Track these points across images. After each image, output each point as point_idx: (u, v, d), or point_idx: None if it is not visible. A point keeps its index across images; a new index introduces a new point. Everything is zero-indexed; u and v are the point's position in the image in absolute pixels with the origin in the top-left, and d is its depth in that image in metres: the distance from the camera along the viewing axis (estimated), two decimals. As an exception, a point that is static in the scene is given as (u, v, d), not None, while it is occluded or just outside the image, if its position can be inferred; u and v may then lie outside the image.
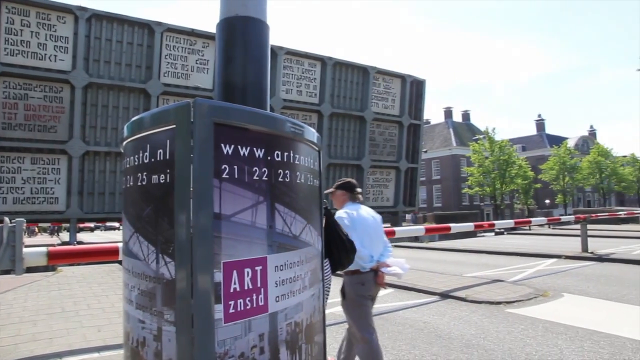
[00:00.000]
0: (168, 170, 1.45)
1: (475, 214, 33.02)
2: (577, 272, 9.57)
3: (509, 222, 13.03)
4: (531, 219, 14.68)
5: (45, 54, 14.62)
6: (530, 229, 26.48)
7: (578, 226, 15.32)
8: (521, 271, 10.06)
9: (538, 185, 46.89)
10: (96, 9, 15.29)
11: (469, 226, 10.88)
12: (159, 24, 16.43)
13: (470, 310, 6.40)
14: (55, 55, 14.77)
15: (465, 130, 59.52)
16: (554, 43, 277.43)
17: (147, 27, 16.31)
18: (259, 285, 1.49)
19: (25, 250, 4.62)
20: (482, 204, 54.04)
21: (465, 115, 64.50)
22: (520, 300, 6.75)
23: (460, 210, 47.02)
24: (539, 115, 66.62)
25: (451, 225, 9.41)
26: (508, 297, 6.95)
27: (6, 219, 4.56)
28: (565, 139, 57.07)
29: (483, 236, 24.04)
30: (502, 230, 25.36)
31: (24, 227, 4.62)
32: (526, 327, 5.39)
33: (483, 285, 8.08)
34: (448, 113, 61.32)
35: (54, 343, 4.86)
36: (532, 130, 69.04)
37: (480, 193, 43.90)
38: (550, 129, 72.43)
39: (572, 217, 16.26)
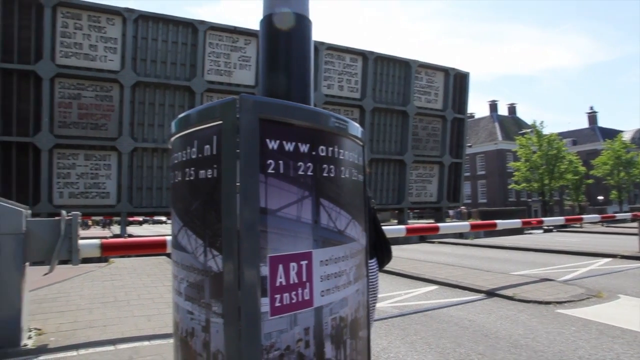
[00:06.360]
0: (215, 166, 1.47)
1: (522, 211, 31.76)
2: (635, 273, 9.06)
3: (559, 219, 12.53)
4: (583, 216, 14.00)
5: (96, 55, 15.29)
6: (581, 227, 25.32)
7: (635, 224, 14.49)
8: (572, 270, 9.63)
9: (590, 181, 44.67)
10: (143, 10, 15.81)
11: (516, 223, 10.52)
12: (202, 22, 16.81)
13: (517, 309, 6.20)
14: (105, 56, 15.42)
15: (512, 124, 57.61)
16: (607, 31, 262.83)
17: (190, 26, 16.73)
18: (304, 279, 1.50)
19: (80, 242, 4.86)
20: (529, 200, 52.18)
21: (512, 109, 62.38)
22: (571, 301, 6.46)
23: (507, 206, 45.58)
24: (591, 108, 63.39)
25: (497, 221, 9.14)
26: (558, 297, 6.67)
27: (63, 212, 4.81)
28: (620, 132, 53.89)
29: (531, 233, 23.21)
30: (551, 227, 24.39)
31: (79, 220, 4.86)
32: (578, 329, 5.16)
33: (531, 284, 7.80)
34: (493, 106, 59.47)
35: (108, 330, 5.09)
36: (583, 124, 65.87)
37: (527, 189, 42.37)
38: (603, 122, 68.97)
39: (628, 215, 15.40)
